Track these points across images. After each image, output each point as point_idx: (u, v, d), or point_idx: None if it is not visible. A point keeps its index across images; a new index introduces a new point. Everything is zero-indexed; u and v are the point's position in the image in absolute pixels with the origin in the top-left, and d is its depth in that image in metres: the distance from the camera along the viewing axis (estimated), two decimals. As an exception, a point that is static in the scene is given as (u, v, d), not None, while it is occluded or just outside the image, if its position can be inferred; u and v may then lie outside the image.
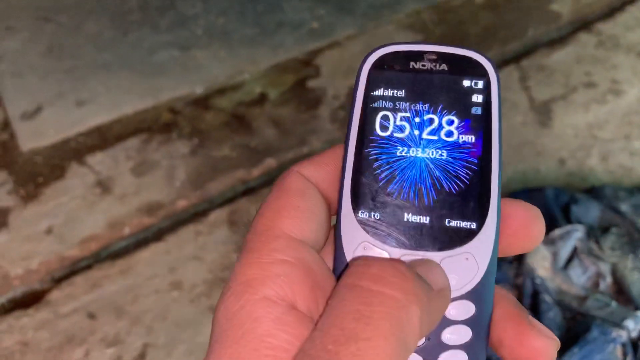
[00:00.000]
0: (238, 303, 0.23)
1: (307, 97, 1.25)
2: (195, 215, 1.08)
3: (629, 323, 0.77)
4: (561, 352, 0.77)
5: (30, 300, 0.98)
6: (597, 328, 0.77)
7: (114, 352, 0.93)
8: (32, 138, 1.17)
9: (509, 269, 0.87)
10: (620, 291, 0.84)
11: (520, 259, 0.87)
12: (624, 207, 0.95)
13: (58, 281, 1.00)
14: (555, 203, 0.96)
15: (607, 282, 0.84)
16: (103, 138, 1.17)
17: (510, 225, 0.27)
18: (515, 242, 0.27)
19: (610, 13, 1.37)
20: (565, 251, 0.87)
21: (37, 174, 1.12)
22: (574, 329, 0.79)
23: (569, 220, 0.92)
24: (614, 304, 0.81)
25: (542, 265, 0.85)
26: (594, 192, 0.99)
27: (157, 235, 1.05)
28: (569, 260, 0.86)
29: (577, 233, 0.88)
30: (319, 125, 1.21)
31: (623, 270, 0.85)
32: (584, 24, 1.36)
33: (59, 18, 1.37)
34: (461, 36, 1.35)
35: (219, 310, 0.24)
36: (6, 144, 1.16)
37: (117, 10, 1.39)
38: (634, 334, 0.77)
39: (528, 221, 0.27)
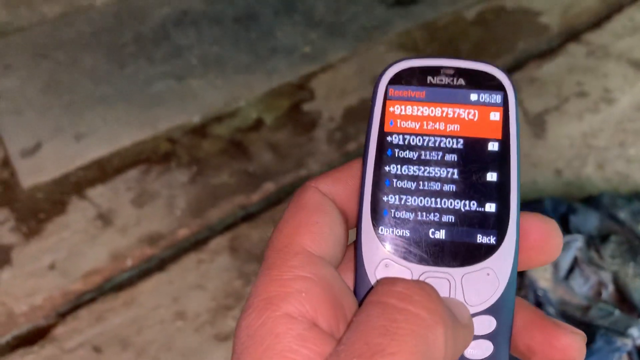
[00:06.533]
0: (260, 320, 0.23)
1: (302, 121, 1.26)
2: (197, 243, 1.08)
3: (634, 331, 0.77)
4: (567, 364, 0.76)
5: (35, 336, 0.98)
6: (602, 338, 0.77)
7: (120, 385, 0.93)
8: (32, 174, 1.18)
9: (511, 282, 0.87)
10: (623, 299, 0.84)
11: (521, 271, 0.87)
12: (623, 214, 0.95)
13: (63, 316, 1.00)
14: (554, 214, 0.96)
15: (609, 291, 0.84)
16: (103, 171, 1.18)
17: (528, 239, 0.27)
18: (534, 256, 0.27)
19: (598, 23, 1.39)
20: (565, 261, 0.87)
21: (39, 210, 1.13)
22: (579, 339, 0.79)
23: (568, 231, 0.93)
24: (617, 312, 0.81)
25: (543, 277, 0.85)
26: (592, 201, 0.99)
27: (159, 265, 1.05)
28: (570, 271, 0.87)
29: (576, 243, 0.88)
30: (315, 147, 1.22)
31: (624, 278, 0.85)
32: (573, 35, 1.38)
33: (56, 54, 1.40)
34: (452, 53, 1.36)
35: (240, 327, 0.24)
36: (7, 181, 1.17)
37: (113, 44, 1.41)
38: (639, 342, 0.77)
39: (546, 235, 0.27)
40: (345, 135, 1.23)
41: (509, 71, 1.31)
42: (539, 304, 0.83)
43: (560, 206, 0.98)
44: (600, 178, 1.13)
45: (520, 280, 0.86)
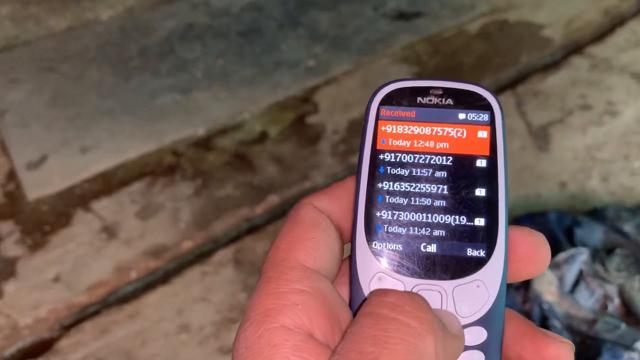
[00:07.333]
0: (257, 332, 0.24)
1: (307, 133, 1.27)
2: (201, 256, 1.08)
3: (640, 345, 0.77)
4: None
5: (39, 349, 0.98)
6: (608, 351, 0.76)
7: (124, 398, 0.93)
8: (38, 187, 1.18)
9: (517, 296, 0.87)
10: (629, 312, 0.84)
11: (526, 284, 0.87)
12: (628, 227, 0.95)
13: (67, 328, 1.00)
14: (559, 227, 0.96)
15: (615, 304, 0.84)
16: (108, 183, 1.19)
17: (517, 252, 0.28)
18: (522, 268, 0.28)
19: (601, 36, 1.40)
20: (571, 275, 0.86)
21: (44, 223, 1.13)
22: (585, 353, 0.79)
23: (573, 244, 0.93)
24: (623, 325, 0.80)
25: (548, 290, 0.85)
26: (597, 214, 0.99)
27: (163, 278, 1.05)
28: (576, 284, 0.86)
29: (581, 256, 0.87)
30: (319, 160, 1.22)
31: (630, 291, 0.85)
32: (576, 48, 1.38)
33: (62, 68, 1.41)
34: (455, 66, 1.37)
35: (238, 340, 0.25)
36: (13, 194, 1.18)
37: (118, 57, 1.43)
38: (645, 356, 0.76)
39: (534, 247, 0.28)
40: (349, 148, 1.23)
41: (513, 84, 1.32)
42: (544, 317, 0.83)
43: (565, 219, 0.97)
44: (605, 191, 1.13)
45: (526, 294, 0.86)
